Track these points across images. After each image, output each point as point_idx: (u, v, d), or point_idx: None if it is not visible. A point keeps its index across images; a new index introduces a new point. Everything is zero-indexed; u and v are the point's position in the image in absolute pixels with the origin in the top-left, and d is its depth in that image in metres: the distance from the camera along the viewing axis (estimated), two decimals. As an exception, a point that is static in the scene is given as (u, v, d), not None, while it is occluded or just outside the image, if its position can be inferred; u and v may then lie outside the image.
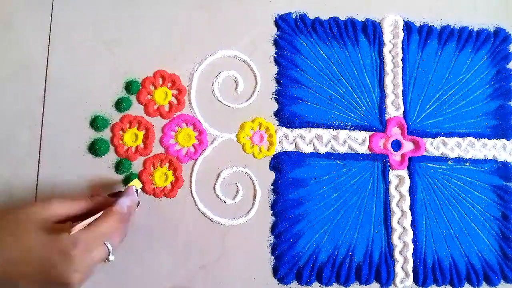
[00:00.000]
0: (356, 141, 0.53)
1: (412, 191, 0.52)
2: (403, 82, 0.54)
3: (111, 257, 0.39)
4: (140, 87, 0.51)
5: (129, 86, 0.51)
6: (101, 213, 0.39)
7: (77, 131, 0.49)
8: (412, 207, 0.52)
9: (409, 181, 0.52)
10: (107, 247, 0.38)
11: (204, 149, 0.51)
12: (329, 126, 0.53)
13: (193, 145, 0.51)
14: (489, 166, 0.54)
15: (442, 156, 0.54)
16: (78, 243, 0.35)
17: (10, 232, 0.37)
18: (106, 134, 0.50)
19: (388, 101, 0.54)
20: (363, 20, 0.56)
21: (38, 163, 0.48)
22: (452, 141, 0.54)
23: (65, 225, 0.37)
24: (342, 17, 0.55)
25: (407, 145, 0.54)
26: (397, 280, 0.50)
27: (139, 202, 0.46)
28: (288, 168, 0.51)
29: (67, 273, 0.35)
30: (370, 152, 0.53)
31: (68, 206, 0.39)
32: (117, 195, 0.44)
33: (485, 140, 0.54)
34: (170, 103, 0.51)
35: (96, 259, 0.37)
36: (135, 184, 0.46)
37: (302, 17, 0.55)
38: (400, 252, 0.51)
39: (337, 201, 0.51)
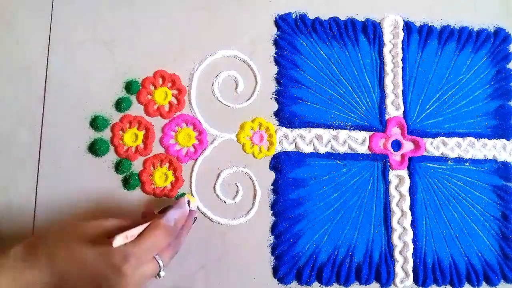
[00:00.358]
0: (356, 141, 0.53)
1: (412, 191, 0.52)
2: (403, 82, 0.54)
3: (162, 273, 0.38)
4: (140, 87, 0.51)
5: (129, 86, 0.51)
6: (146, 224, 0.38)
7: (77, 131, 0.49)
8: (412, 207, 0.52)
9: (409, 181, 0.52)
10: (158, 262, 0.38)
11: (204, 149, 0.51)
12: (329, 126, 0.53)
13: (193, 145, 0.51)
14: (489, 166, 0.54)
15: (442, 156, 0.54)
16: (129, 258, 0.35)
17: (64, 245, 0.37)
18: (106, 134, 0.50)
19: (388, 101, 0.54)
20: (363, 20, 0.56)
21: (38, 163, 0.48)
22: (452, 141, 0.54)
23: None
24: (342, 17, 0.55)
25: (407, 145, 0.54)
26: (397, 280, 0.50)
27: (196, 218, 0.45)
28: (288, 168, 0.51)
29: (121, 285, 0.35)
30: (370, 152, 0.53)
31: (120, 224, 0.39)
32: (168, 209, 0.42)
33: (485, 140, 0.54)
34: (170, 103, 0.51)
35: (147, 275, 0.37)
36: (189, 198, 0.45)
37: (302, 17, 0.55)
38: (400, 252, 0.51)
39: (337, 201, 0.51)
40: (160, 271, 0.38)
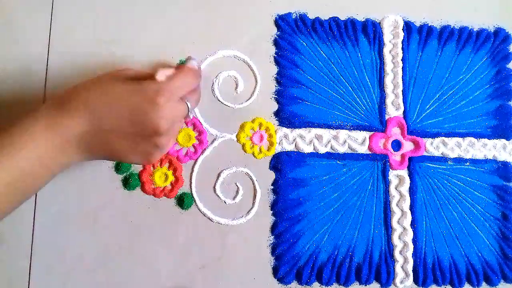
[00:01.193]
0: (356, 141, 0.53)
1: (412, 191, 0.52)
2: (403, 82, 0.54)
3: (190, 115, 0.42)
4: (140, 87, 0.51)
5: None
6: (174, 67, 0.40)
7: (77, 131, 0.49)
8: (412, 207, 0.52)
9: (409, 181, 0.52)
10: (187, 103, 0.40)
11: (204, 149, 0.51)
12: (329, 126, 0.53)
13: (193, 145, 0.51)
14: (489, 166, 0.54)
15: (442, 156, 0.54)
16: (162, 91, 0.36)
17: (99, 88, 0.37)
18: (106, 134, 0.50)
19: (388, 101, 0.54)
20: (363, 20, 0.56)
21: (38, 163, 0.48)
22: (452, 141, 0.54)
23: (147, 78, 0.38)
24: (342, 17, 0.55)
25: (407, 145, 0.54)
26: (397, 280, 0.50)
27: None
28: (288, 168, 0.51)
29: (156, 119, 0.36)
30: (370, 152, 0.53)
31: (145, 72, 0.40)
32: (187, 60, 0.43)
33: (485, 140, 0.55)
34: (170, 103, 0.51)
35: (178, 113, 0.38)
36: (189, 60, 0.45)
37: (302, 17, 0.55)
38: (400, 252, 0.51)
39: (337, 201, 0.51)
40: (188, 112, 0.40)
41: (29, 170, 0.35)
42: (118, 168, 0.49)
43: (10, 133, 0.35)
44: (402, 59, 0.55)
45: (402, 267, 0.50)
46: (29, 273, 0.46)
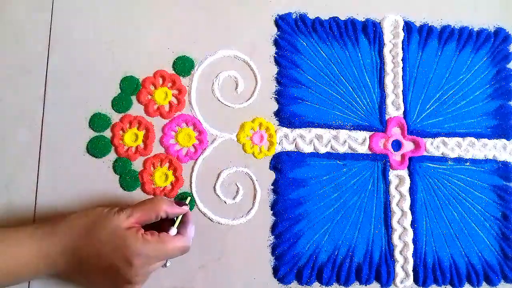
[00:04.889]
0: (356, 141, 0.53)
1: (412, 191, 0.52)
2: (403, 82, 0.54)
3: (168, 264, 0.45)
4: (140, 87, 0.51)
5: (129, 86, 0.51)
6: (175, 230, 0.43)
7: (77, 131, 0.49)
8: (412, 207, 0.52)
9: (409, 181, 0.52)
10: (166, 261, 0.44)
11: (204, 149, 0.51)
12: (329, 126, 0.53)
13: (193, 145, 0.51)
14: (489, 166, 0.54)
15: (442, 156, 0.54)
16: (141, 255, 0.39)
17: (84, 231, 0.40)
18: (106, 134, 0.50)
19: (388, 101, 0.54)
20: (363, 20, 0.56)
21: (38, 163, 0.48)
22: (452, 141, 0.54)
23: (133, 232, 0.40)
24: (342, 17, 0.55)
25: (407, 145, 0.54)
26: (397, 280, 0.50)
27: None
28: (288, 168, 0.51)
29: (129, 276, 0.40)
30: (370, 152, 0.53)
31: (145, 218, 0.42)
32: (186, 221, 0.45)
33: (485, 140, 0.54)
34: (170, 103, 0.51)
35: (155, 267, 0.42)
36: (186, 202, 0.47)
37: (302, 17, 0.55)
38: (400, 252, 0.51)
39: (337, 201, 0.51)
40: (166, 263, 0.45)
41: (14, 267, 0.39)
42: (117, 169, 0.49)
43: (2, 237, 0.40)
44: (402, 59, 0.55)
45: (402, 267, 0.50)
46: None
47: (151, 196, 0.49)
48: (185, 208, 0.44)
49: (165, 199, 0.43)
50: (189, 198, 0.48)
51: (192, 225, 0.45)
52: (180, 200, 0.48)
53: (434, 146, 0.54)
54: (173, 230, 0.43)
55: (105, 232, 0.40)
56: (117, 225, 0.40)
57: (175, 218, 0.44)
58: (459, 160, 0.54)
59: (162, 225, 0.44)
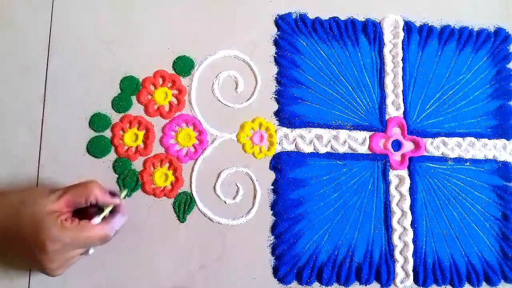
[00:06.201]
0: (356, 141, 0.53)
1: (412, 191, 0.52)
2: (403, 82, 0.54)
3: (91, 251, 0.43)
4: (141, 87, 0.51)
5: (129, 86, 0.51)
6: (110, 208, 0.42)
7: (77, 131, 0.49)
8: (412, 207, 0.52)
9: (409, 181, 0.52)
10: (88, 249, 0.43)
11: (204, 149, 0.51)
12: (329, 126, 0.53)
13: (193, 145, 0.51)
14: (489, 166, 0.54)
15: (442, 156, 0.54)
16: (55, 241, 0.38)
17: (16, 207, 0.40)
18: (106, 134, 0.50)
19: (388, 101, 0.54)
20: (363, 20, 0.56)
21: (38, 163, 0.48)
22: (452, 141, 0.54)
23: (53, 217, 0.39)
24: (342, 17, 0.55)
25: (407, 145, 0.54)
26: (397, 280, 0.50)
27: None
28: (288, 168, 0.51)
29: (44, 262, 0.39)
30: (370, 152, 0.53)
31: (75, 201, 0.41)
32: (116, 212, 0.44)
33: (485, 140, 0.54)
34: (170, 103, 0.51)
35: (74, 254, 0.41)
36: (122, 194, 0.47)
37: (302, 17, 0.55)
38: (400, 252, 0.51)
39: (337, 201, 0.51)
40: (88, 250, 0.43)
41: None
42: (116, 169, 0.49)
43: None
44: (402, 59, 0.55)
45: (402, 267, 0.50)
46: (29, 273, 0.46)
47: (151, 196, 0.49)
48: (116, 200, 0.44)
49: (98, 185, 0.42)
50: (125, 192, 0.47)
51: (122, 217, 0.44)
52: (120, 190, 0.48)
53: (434, 146, 0.54)
54: (97, 219, 0.41)
55: (28, 213, 0.39)
56: (40, 208, 0.39)
57: (104, 208, 0.43)
58: (459, 160, 0.54)
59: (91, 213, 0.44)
